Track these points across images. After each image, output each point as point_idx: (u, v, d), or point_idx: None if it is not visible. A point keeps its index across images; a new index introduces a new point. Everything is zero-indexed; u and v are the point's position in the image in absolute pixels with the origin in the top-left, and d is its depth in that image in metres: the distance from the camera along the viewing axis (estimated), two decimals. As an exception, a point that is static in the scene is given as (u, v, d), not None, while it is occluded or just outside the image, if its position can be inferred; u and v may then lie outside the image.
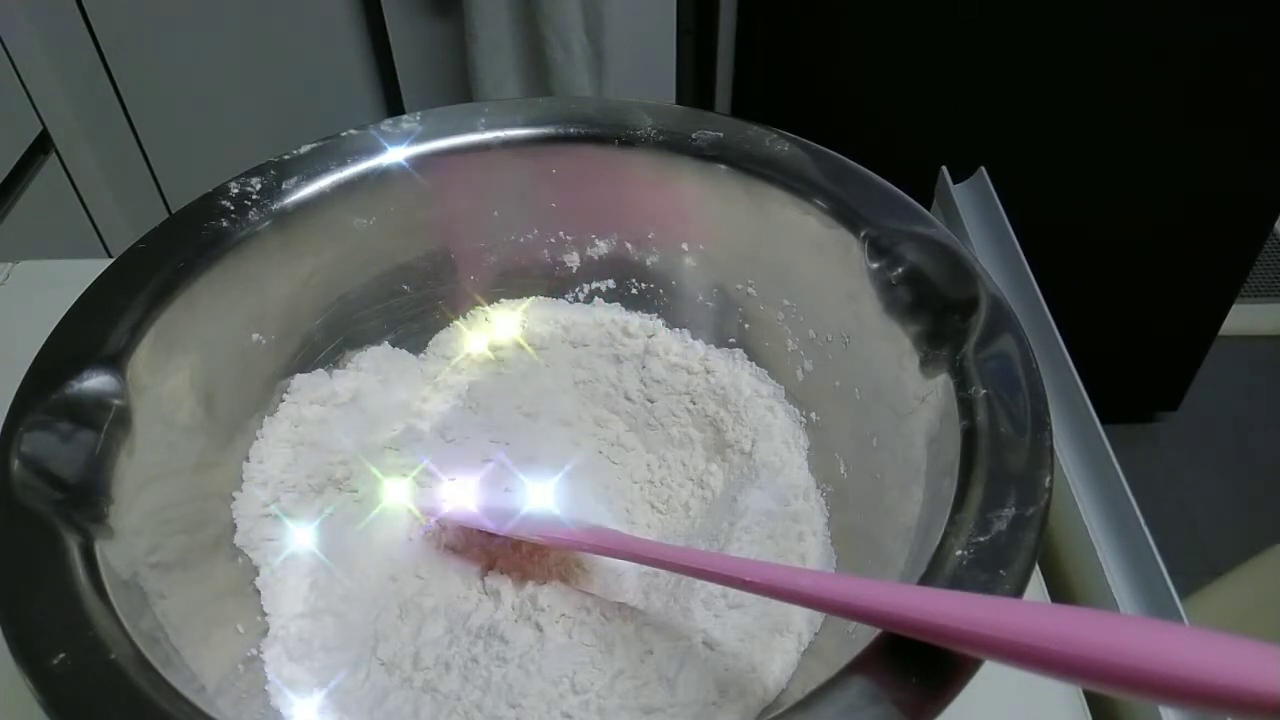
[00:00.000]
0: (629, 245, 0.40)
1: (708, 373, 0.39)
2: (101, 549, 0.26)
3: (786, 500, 0.35)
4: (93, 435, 0.28)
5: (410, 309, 0.40)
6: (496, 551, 0.35)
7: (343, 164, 0.36)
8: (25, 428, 0.27)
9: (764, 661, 0.30)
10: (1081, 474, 0.40)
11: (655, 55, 1.05)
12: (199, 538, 0.32)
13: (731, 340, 0.40)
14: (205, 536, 0.32)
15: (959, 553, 0.24)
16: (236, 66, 1.05)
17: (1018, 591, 0.23)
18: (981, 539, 0.24)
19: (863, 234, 0.33)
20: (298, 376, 0.37)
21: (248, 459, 0.35)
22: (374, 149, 0.37)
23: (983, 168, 0.52)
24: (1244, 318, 1.32)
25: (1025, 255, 0.47)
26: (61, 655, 0.23)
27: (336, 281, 0.38)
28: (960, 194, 0.52)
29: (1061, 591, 0.39)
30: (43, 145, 0.98)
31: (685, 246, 0.39)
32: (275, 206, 0.35)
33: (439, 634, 0.32)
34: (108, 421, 0.28)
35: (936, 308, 0.31)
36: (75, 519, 0.26)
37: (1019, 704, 0.34)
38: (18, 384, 0.29)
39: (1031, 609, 0.20)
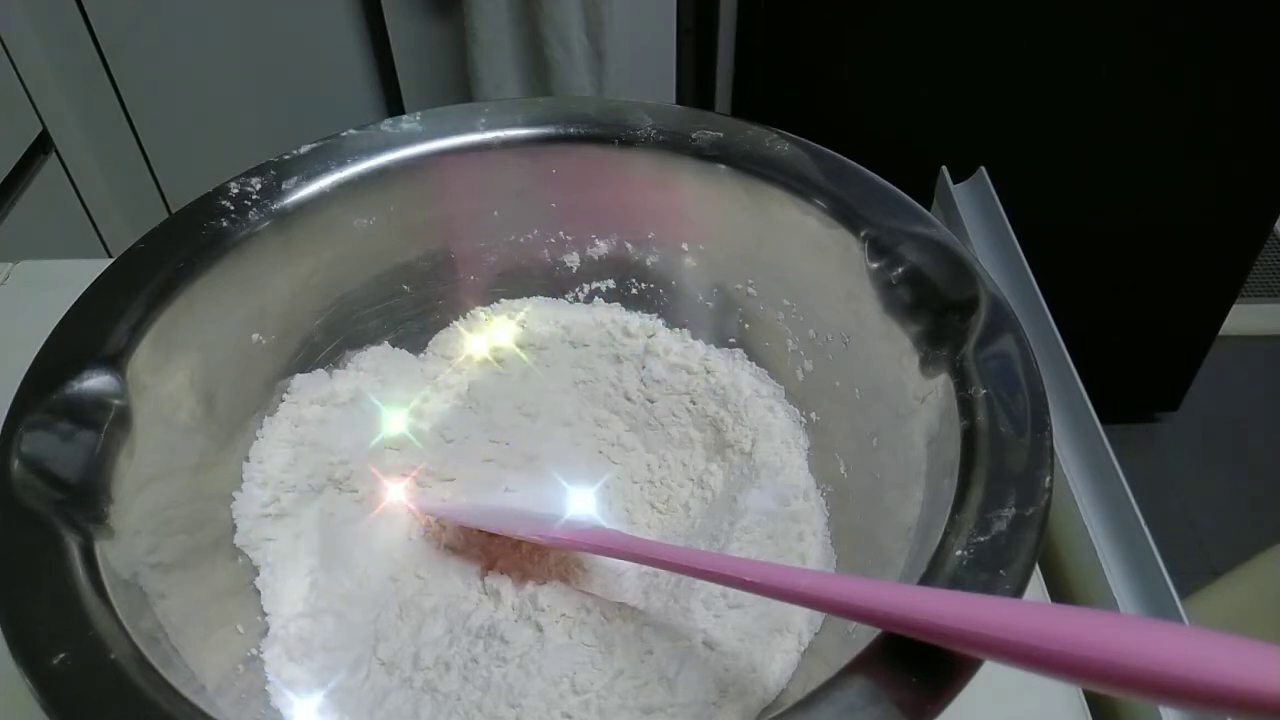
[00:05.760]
0: (629, 245, 0.40)
1: (708, 373, 0.39)
2: (101, 549, 0.26)
3: (786, 500, 0.35)
4: (93, 435, 0.28)
5: (410, 309, 0.40)
6: (496, 551, 0.35)
7: (343, 164, 0.36)
8: (25, 428, 0.27)
9: (764, 661, 0.30)
10: (1081, 474, 0.40)
11: (655, 55, 1.05)
12: (199, 538, 0.32)
13: (731, 340, 0.40)
14: (205, 536, 0.32)
15: (959, 553, 0.24)
16: (236, 66, 1.05)
17: (1018, 591, 0.23)
18: (981, 539, 0.24)
19: (863, 234, 0.33)
20: (298, 376, 0.37)
21: (248, 459, 0.35)
22: (374, 149, 0.37)
23: (983, 168, 0.52)
24: (1244, 318, 1.32)
25: (1025, 255, 0.47)
26: (61, 655, 0.23)
27: (336, 281, 0.38)
28: (960, 194, 0.52)
29: (1061, 591, 0.39)
30: (43, 145, 0.98)
31: (685, 246, 0.39)
32: (275, 206, 0.35)
33: (439, 634, 0.32)
34: (108, 421, 0.28)
35: (936, 308, 0.31)
36: (75, 519, 0.26)
37: (1019, 704, 0.34)
38: (18, 384, 0.29)
39: (1031, 609, 0.20)
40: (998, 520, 0.24)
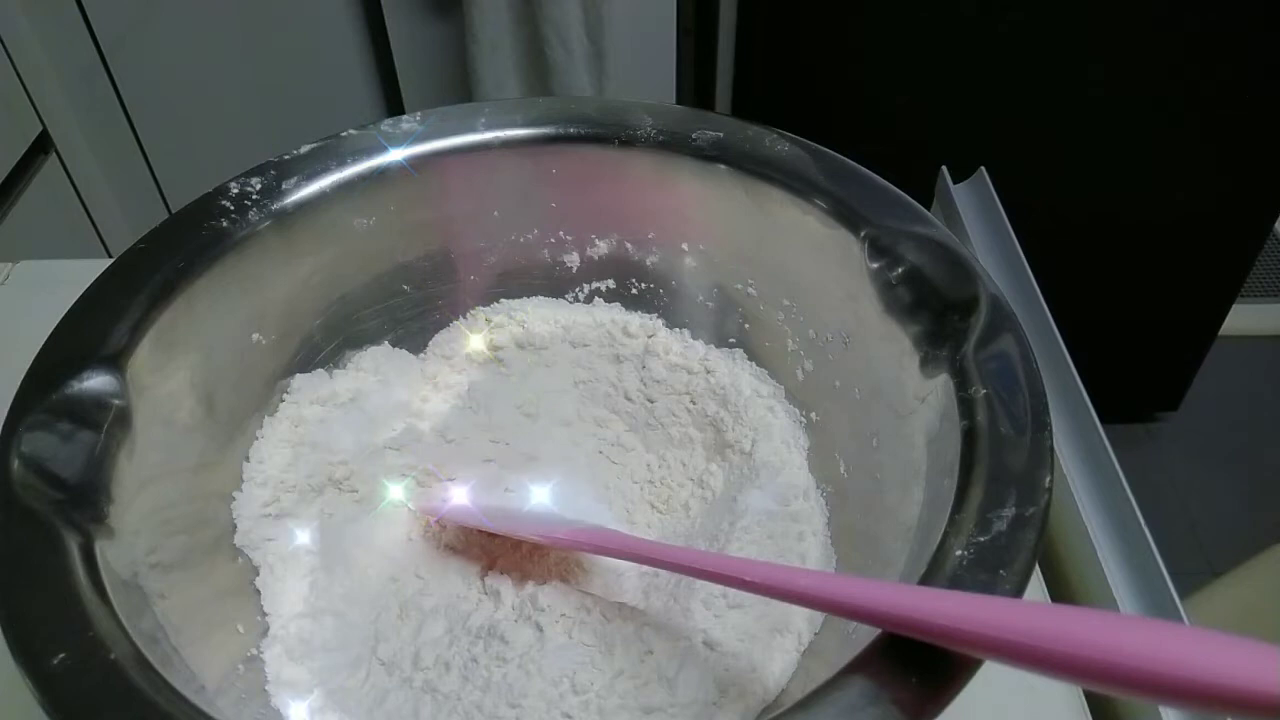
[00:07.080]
0: (629, 245, 0.40)
1: (708, 373, 0.39)
2: (101, 549, 0.26)
3: (786, 500, 0.35)
4: (93, 435, 0.28)
5: (410, 309, 0.40)
6: (496, 551, 0.36)
7: (343, 164, 0.36)
8: (25, 428, 0.27)
9: (764, 661, 0.30)
10: (1081, 474, 0.40)
11: (655, 55, 1.05)
12: (199, 538, 0.32)
13: (731, 340, 0.40)
14: (205, 536, 0.32)
15: (959, 553, 0.24)
16: (236, 66, 1.05)
17: (1018, 591, 0.23)
18: (981, 539, 0.24)
19: (863, 234, 0.33)
20: (298, 376, 0.37)
21: (248, 459, 0.35)
22: (374, 149, 0.37)
23: (983, 168, 0.52)
24: (1244, 318, 1.32)
25: (1025, 255, 0.47)
26: (61, 655, 0.23)
27: (336, 281, 0.38)
28: (960, 194, 0.52)
29: (1061, 591, 0.39)
30: (43, 145, 0.98)
31: (685, 246, 0.39)
32: (275, 206, 0.35)
33: (439, 634, 0.32)
34: (108, 421, 0.28)
35: (936, 308, 0.31)
36: (75, 519, 0.26)
37: (1019, 704, 0.34)
38: (18, 384, 0.29)
39: (1031, 609, 0.20)
40: (998, 520, 0.24)
